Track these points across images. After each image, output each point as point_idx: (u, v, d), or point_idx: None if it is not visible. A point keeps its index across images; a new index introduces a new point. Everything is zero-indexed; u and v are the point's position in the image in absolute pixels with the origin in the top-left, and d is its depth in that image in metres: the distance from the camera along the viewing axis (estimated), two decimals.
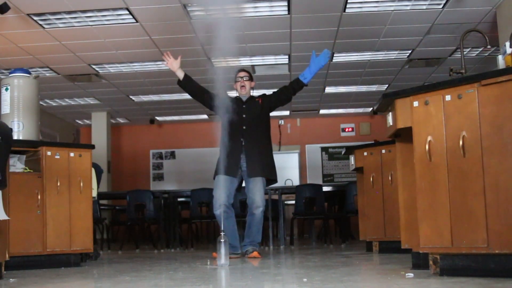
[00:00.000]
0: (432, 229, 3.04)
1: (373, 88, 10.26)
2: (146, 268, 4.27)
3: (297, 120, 12.83)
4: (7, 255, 3.77)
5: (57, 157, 4.57)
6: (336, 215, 8.54)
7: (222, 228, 4.84)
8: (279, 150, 12.74)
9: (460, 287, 2.59)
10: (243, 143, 5.12)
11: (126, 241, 9.21)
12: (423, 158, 3.10)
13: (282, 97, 5.27)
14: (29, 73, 4.87)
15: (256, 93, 5.61)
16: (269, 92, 5.45)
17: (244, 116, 5.18)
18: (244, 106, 5.24)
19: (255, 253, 5.02)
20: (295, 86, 5.21)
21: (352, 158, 5.63)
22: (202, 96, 5.25)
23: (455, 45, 7.78)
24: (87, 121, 12.35)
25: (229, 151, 5.01)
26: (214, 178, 5.17)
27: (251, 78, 5.35)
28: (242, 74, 5.34)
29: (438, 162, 3.04)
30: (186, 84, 5.22)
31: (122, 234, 9.59)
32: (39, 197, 4.42)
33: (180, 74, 5.20)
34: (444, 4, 6.34)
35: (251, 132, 5.16)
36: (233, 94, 5.63)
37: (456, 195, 2.96)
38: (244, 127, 5.15)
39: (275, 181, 5.33)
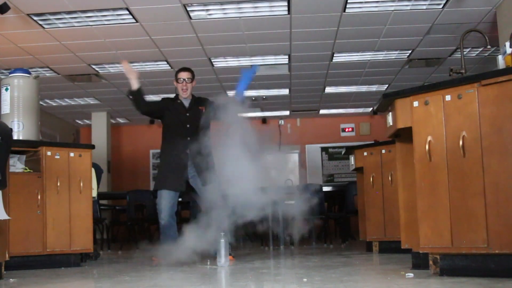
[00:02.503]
0: (432, 229, 3.04)
1: (373, 88, 10.26)
2: (146, 268, 4.27)
3: (297, 120, 12.83)
4: (7, 255, 3.77)
5: (57, 157, 4.57)
6: (336, 215, 8.54)
7: (164, 237, 4.96)
8: (279, 150, 12.73)
9: (460, 287, 2.59)
10: (189, 154, 4.90)
11: (126, 241, 9.20)
12: (423, 158, 3.10)
13: (215, 118, 4.93)
14: (29, 73, 4.87)
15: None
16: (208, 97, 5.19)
17: (188, 126, 4.97)
18: (187, 114, 5.02)
19: (229, 257, 4.67)
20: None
21: (352, 158, 5.63)
22: (150, 108, 5.14)
23: (455, 45, 7.78)
24: (87, 121, 12.34)
25: (174, 166, 4.91)
26: (157, 188, 4.99)
27: (193, 78, 5.09)
28: (184, 75, 5.04)
29: (438, 162, 3.05)
30: (140, 95, 5.03)
31: (122, 234, 9.58)
32: (39, 197, 4.42)
33: (135, 84, 5.02)
34: (444, 4, 6.34)
35: (196, 141, 4.90)
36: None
37: (456, 195, 2.96)
38: (188, 138, 4.92)
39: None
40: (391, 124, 3.42)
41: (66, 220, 4.55)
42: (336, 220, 8.92)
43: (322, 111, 12.17)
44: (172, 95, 5.25)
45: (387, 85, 10.03)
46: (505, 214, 2.77)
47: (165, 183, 4.95)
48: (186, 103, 5.07)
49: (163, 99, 5.24)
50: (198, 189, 5.02)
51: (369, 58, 8.40)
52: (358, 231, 5.98)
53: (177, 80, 5.07)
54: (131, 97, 5.06)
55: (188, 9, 6.30)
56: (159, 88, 9.83)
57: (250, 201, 4.72)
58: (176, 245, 4.95)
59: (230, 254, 4.79)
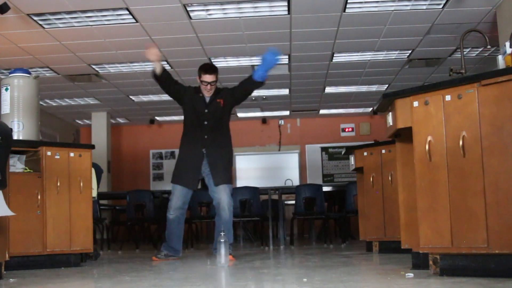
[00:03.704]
0: (432, 229, 3.04)
1: (373, 88, 10.26)
2: (146, 268, 4.28)
3: (297, 120, 12.83)
4: (7, 255, 3.77)
5: (57, 157, 4.57)
6: (336, 215, 8.54)
7: (170, 231, 5.15)
8: (279, 150, 12.74)
9: (460, 287, 2.59)
10: (204, 153, 5.02)
11: (126, 241, 9.21)
12: (423, 158, 3.10)
13: (240, 99, 5.20)
14: (29, 73, 4.87)
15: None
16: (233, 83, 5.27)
17: (205, 123, 5.05)
18: (206, 110, 5.07)
19: (230, 257, 4.70)
20: (249, 85, 5.08)
21: (352, 158, 5.63)
22: (176, 89, 5.15)
23: (455, 45, 7.78)
24: (87, 121, 12.34)
25: (190, 163, 5.04)
26: (173, 182, 5.14)
27: (217, 78, 5.11)
28: (209, 78, 5.02)
29: (438, 162, 3.05)
30: (163, 77, 5.05)
31: (122, 234, 9.59)
32: (39, 197, 4.42)
33: (159, 67, 5.01)
34: (444, 4, 6.34)
35: (213, 139, 5.05)
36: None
37: (456, 195, 2.97)
38: (205, 136, 5.03)
39: None
40: (391, 124, 3.42)
41: (66, 220, 4.55)
42: (336, 220, 8.93)
43: (322, 111, 12.17)
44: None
45: (387, 85, 10.03)
46: (505, 214, 2.77)
47: (179, 178, 5.08)
48: (207, 98, 5.12)
49: (188, 87, 5.25)
50: (210, 188, 5.11)
51: (369, 58, 8.40)
52: (358, 231, 5.98)
53: (201, 81, 5.07)
54: (156, 80, 5.13)
55: (188, 9, 6.30)
56: (159, 88, 9.80)
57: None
58: (180, 243, 5.14)
59: (230, 254, 4.80)
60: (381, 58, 8.39)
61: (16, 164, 4.51)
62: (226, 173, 5.06)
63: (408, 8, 6.44)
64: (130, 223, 8.08)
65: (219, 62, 8.34)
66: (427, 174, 3.08)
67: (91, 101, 10.71)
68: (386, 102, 3.42)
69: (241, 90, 5.16)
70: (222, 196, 5.00)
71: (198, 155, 5.03)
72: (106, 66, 8.41)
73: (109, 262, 5.18)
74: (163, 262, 4.90)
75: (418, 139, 3.13)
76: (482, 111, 2.90)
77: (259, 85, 5.10)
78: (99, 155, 11.17)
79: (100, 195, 7.52)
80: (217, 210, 5.09)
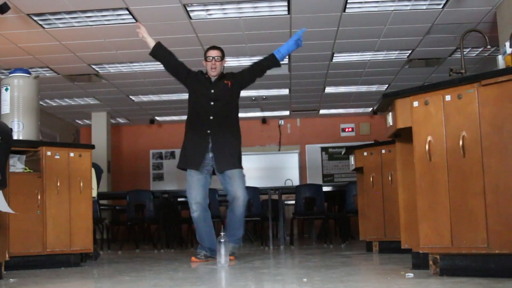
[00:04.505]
0: (432, 229, 3.04)
1: (373, 88, 10.26)
2: (146, 268, 4.28)
3: (297, 120, 12.83)
4: (7, 255, 3.77)
5: (57, 157, 4.57)
6: (336, 215, 8.54)
7: (199, 231, 4.80)
8: (279, 150, 12.74)
9: (460, 287, 2.59)
10: (210, 136, 4.74)
11: (126, 241, 9.21)
12: (423, 158, 3.10)
13: (255, 77, 4.94)
14: (29, 73, 4.87)
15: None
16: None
17: (212, 103, 4.79)
18: (212, 91, 4.81)
19: (231, 257, 4.62)
20: (269, 64, 4.89)
21: (352, 158, 5.63)
22: (176, 66, 4.95)
23: (455, 45, 7.78)
24: (87, 121, 12.34)
25: (195, 145, 4.76)
26: (179, 166, 4.87)
27: (223, 57, 4.88)
28: (213, 53, 4.82)
29: (438, 162, 3.05)
30: (159, 51, 4.91)
31: (122, 234, 9.59)
32: (39, 197, 4.42)
33: (151, 42, 4.91)
34: (444, 4, 6.34)
35: (219, 122, 4.77)
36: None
37: (456, 195, 2.96)
38: (211, 117, 4.76)
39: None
40: (391, 124, 3.42)
41: (66, 220, 4.55)
42: (336, 220, 8.93)
43: (322, 111, 12.17)
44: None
45: (387, 85, 10.03)
46: (505, 214, 2.77)
47: (187, 161, 4.78)
48: (213, 79, 4.89)
49: (194, 71, 5.03)
50: (220, 178, 4.82)
51: (369, 58, 8.40)
52: (358, 231, 5.98)
53: (205, 58, 4.87)
54: (154, 58, 4.99)
55: (188, 9, 6.30)
56: (159, 88, 9.83)
57: None
58: (214, 241, 4.68)
59: (232, 255, 4.73)
60: (381, 58, 8.39)
61: (16, 164, 4.51)
62: (232, 158, 4.74)
63: (408, 8, 6.44)
64: (130, 223, 8.08)
65: None
66: (427, 174, 3.08)
67: (91, 101, 10.71)
68: (386, 102, 3.42)
69: (255, 70, 4.93)
70: (234, 188, 4.69)
71: (203, 136, 4.74)
72: (106, 66, 8.40)
73: (109, 262, 5.18)
74: (163, 262, 4.89)
75: (418, 139, 3.13)
76: (482, 111, 2.90)
77: (277, 66, 4.92)
78: (99, 155, 11.16)
79: (100, 195, 7.52)
80: (230, 203, 4.79)
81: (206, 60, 4.88)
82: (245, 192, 4.75)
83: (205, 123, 4.78)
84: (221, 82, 4.87)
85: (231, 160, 4.75)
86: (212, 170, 4.84)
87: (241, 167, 4.82)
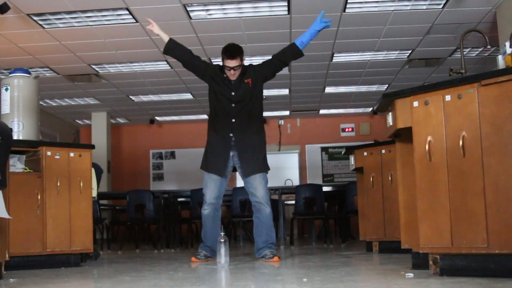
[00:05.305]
0: (432, 229, 3.04)
1: (373, 88, 10.26)
2: (146, 268, 4.27)
3: (297, 120, 12.83)
4: (7, 255, 3.77)
5: (57, 157, 4.57)
6: (336, 215, 8.54)
7: (205, 228, 4.80)
8: (279, 150, 12.74)
9: (460, 287, 2.59)
10: (232, 139, 4.66)
11: (126, 241, 9.21)
12: (423, 158, 3.10)
13: (275, 70, 4.78)
14: (29, 73, 4.87)
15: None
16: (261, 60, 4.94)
17: (233, 105, 4.66)
18: (233, 93, 4.67)
19: (276, 258, 4.59)
20: (290, 54, 4.76)
21: (352, 158, 5.63)
22: (192, 63, 4.80)
23: (455, 45, 7.78)
24: (87, 121, 12.35)
25: (217, 149, 4.69)
26: (202, 168, 4.80)
27: (241, 62, 4.67)
28: (231, 63, 4.60)
29: (438, 162, 3.05)
30: (171, 48, 4.76)
31: (122, 234, 9.59)
32: (39, 197, 4.42)
33: (165, 37, 4.74)
34: (444, 4, 6.34)
35: (241, 124, 4.66)
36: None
37: (456, 195, 2.96)
38: (233, 120, 4.66)
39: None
40: (391, 124, 3.42)
41: (66, 220, 4.55)
42: (336, 220, 8.94)
43: (322, 111, 12.17)
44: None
45: (387, 85, 10.03)
46: (505, 214, 2.77)
47: (210, 166, 4.73)
48: (232, 81, 4.74)
49: (212, 65, 4.93)
50: (244, 181, 4.78)
51: (369, 58, 8.40)
52: (358, 231, 5.98)
53: (224, 65, 4.68)
54: (167, 54, 4.86)
55: (188, 9, 6.30)
56: (159, 88, 9.83)
57: None
58: (216, 239, 4.57)
59: (275, 255, 4.63)
60: (381, 58, 8.39)
61: (16, 164, 4.51)
62: (257, 161, 4.68)
63: (408, 8, 6.44)
64: (130, 223, 8.08)
65: (219, 62, 8.33)
66: (427, 174, 3.08)
67: (91, 101, 10.71)
68: (386, 102, 3.42)
69: (275, 62, 4.75)
70: (258, 193, 4.67)
71: (226, 140, 4.65)
72: (106, 66, 8.40)
73: (109, 262, 5.18)
74: (163, 262, 4.89)
75: (418, 139, 3.13)
76: (482, 111, 2.90)
77: (299, 55, 4.77)
78: (99, 155, 11.17)
79: (100, 195, 7.52)
80: (254, 208, 4.74)
81: (225, 68, 4.68)
82: (266, 195, 4.71)
83: (227, 126, 4.69)
84: (242, 82, 4.71)
85: (256, 164, 4.71)
86: (233, 168, 4.79)
87: (265, 171, 4.78)
